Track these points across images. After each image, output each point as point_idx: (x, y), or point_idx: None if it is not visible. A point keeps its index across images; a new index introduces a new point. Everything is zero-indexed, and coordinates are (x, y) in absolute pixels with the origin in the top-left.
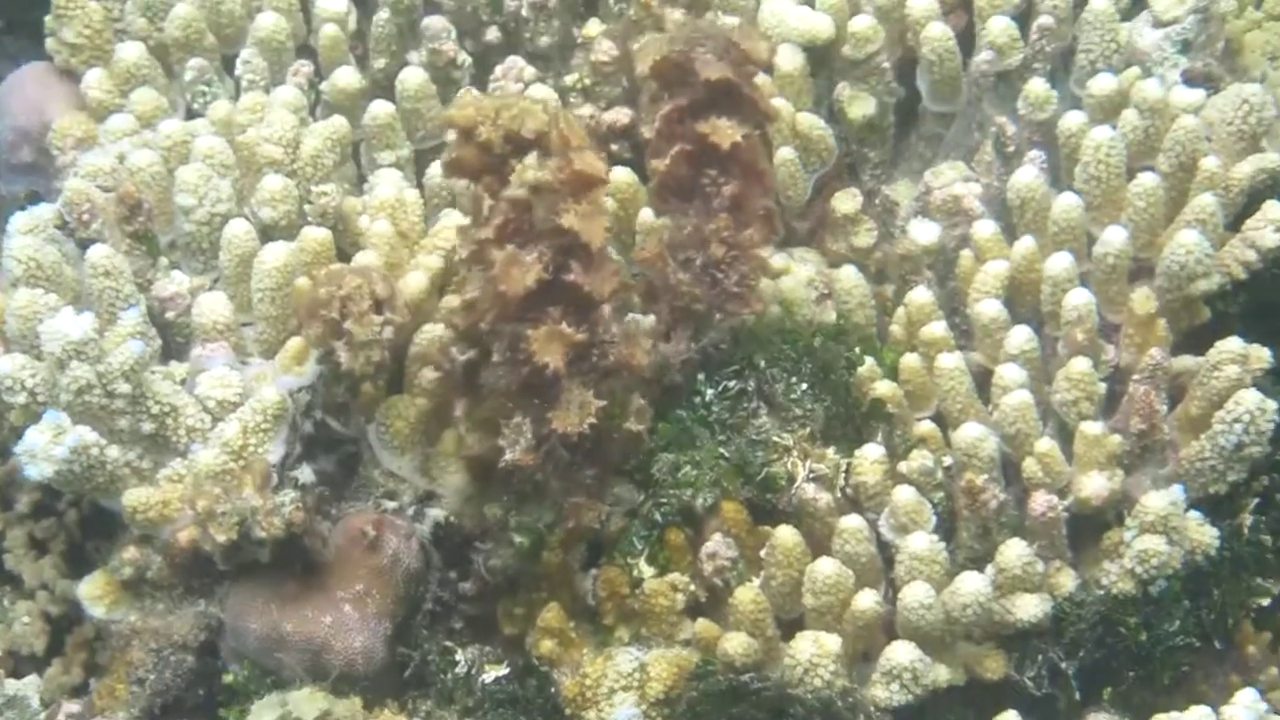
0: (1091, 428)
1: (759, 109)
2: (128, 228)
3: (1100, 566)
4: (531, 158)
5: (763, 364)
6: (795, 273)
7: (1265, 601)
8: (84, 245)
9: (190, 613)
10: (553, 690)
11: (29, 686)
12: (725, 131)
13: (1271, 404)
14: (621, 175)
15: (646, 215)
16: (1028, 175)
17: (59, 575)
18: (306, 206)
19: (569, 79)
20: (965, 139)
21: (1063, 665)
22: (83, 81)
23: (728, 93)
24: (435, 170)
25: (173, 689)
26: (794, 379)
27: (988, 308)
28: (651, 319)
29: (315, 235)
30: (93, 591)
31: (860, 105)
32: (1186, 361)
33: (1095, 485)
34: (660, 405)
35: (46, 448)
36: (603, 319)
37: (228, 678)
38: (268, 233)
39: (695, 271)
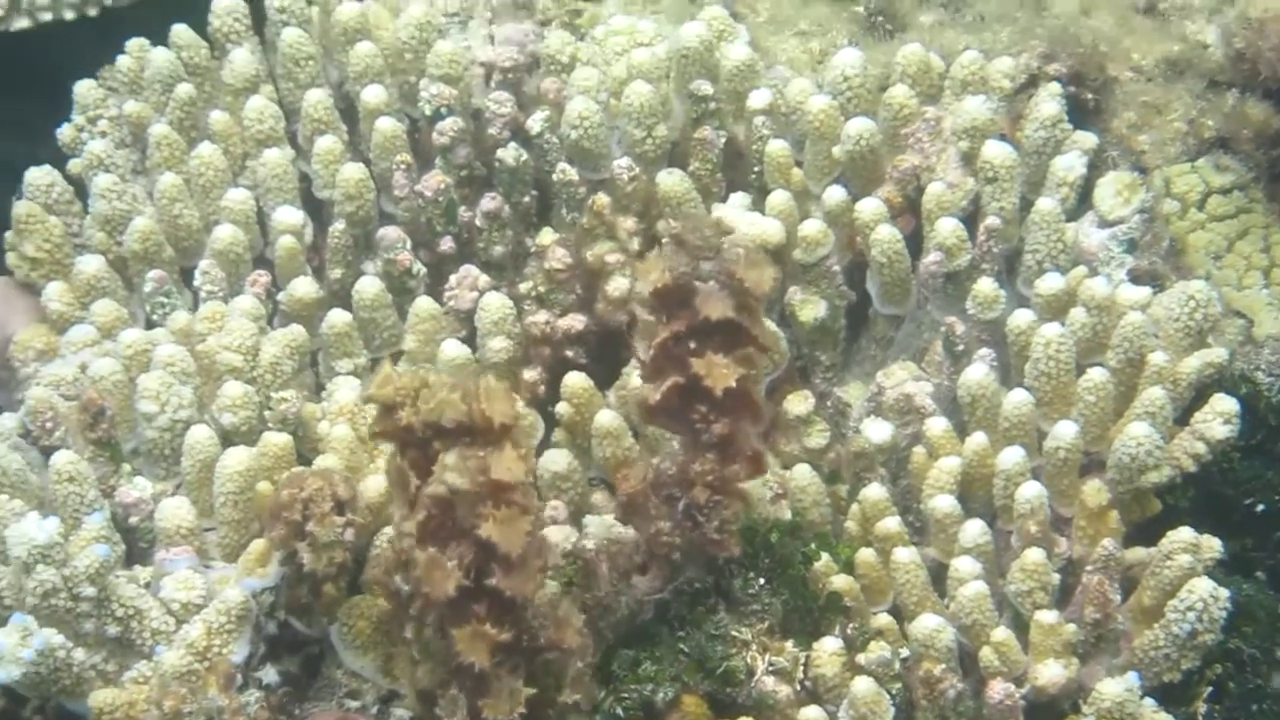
0: (1046, 616)
1: (758, 344)
2: (90, 435)
3: None
4: (452, 456)
5: (720, 560)
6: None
7: None
8: (47, 453)
9: None
10: None
11: None
12: (721, 373)
13: (1224, 592)
14: (576, 380)
15: (604, 418)
16: (978, 373)
17: None
18: (266, 413)
19: (523, 286)
20: (915, 340)
21: None
22: (43, 294)
23: (728, 326)
24: None
25: None
26: (751, 574)
27: (941, 503)
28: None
29: (276, 440)
30: None
31: (811, 309)
32: (1139, 553)
33: (1052, 673)
34: (630, 637)
35: (14, 650)
36: (527, 615)
37: None
38: (229, 438)
39: (677, 517)
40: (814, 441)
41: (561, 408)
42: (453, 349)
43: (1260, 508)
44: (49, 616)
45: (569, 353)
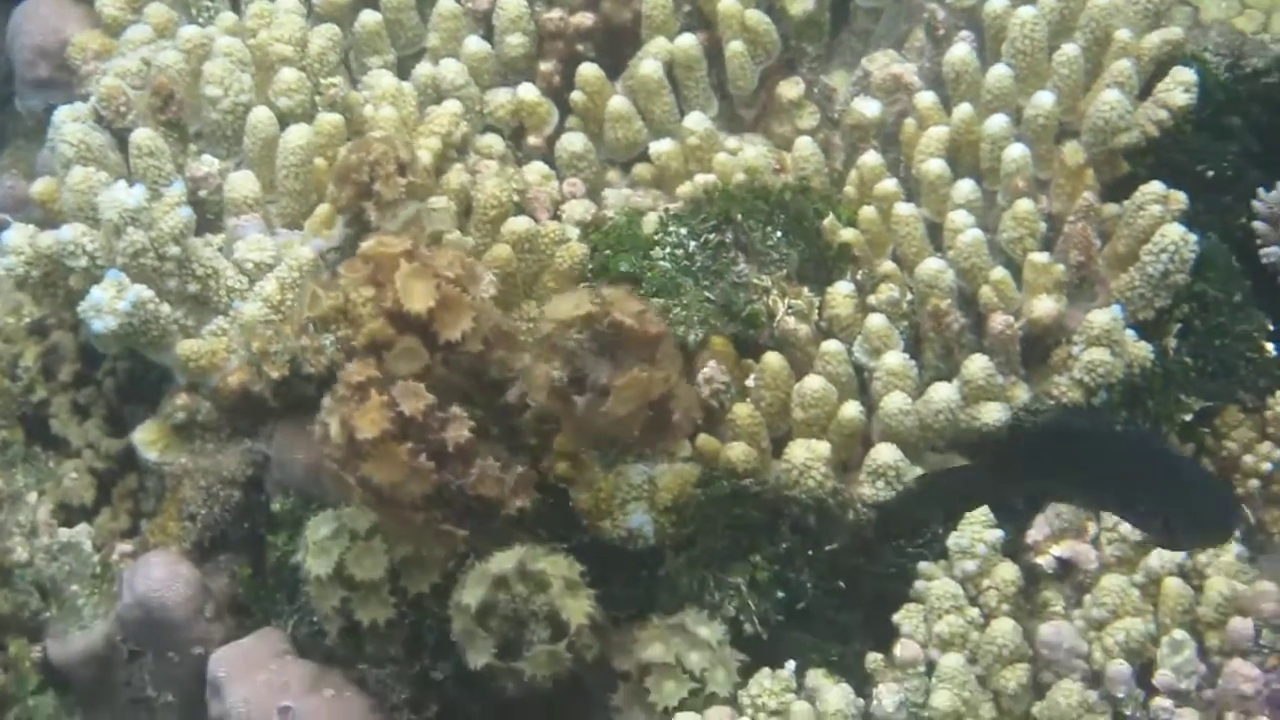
0: (1039, 257)
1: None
2: (161, 117)
3: (1050, 380)
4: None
5: (739, 217)
6: (752, 148)
7: (1188, 417)
8: (119, 135)
9: (238, 451)
10: (569, 505)
11: (81, 533)
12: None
13: (1192, 236)
14: (589, 70)
15: (615, 103)
16: (961, 50)
17: (103, 435)
18: (317, 97)
19: None
20: (894, 30)
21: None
22: (97, 1)
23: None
24: (419, 70)
25: (221, 523)
26: (769, 228)
27: (933, 165)
28: None
29: (330, 119)
30: (147, 437)
31: (799, 3)
32: (1111, 208)
33: (1045, 306)
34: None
35: (111, 302)
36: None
37: (275, 506)
38: (284, 120)
39: None
40: (805, 123)
41: (576, 95)
42: (474, 44)
43: (1210, 173)
44: (137, 274)
45: (579, 47)
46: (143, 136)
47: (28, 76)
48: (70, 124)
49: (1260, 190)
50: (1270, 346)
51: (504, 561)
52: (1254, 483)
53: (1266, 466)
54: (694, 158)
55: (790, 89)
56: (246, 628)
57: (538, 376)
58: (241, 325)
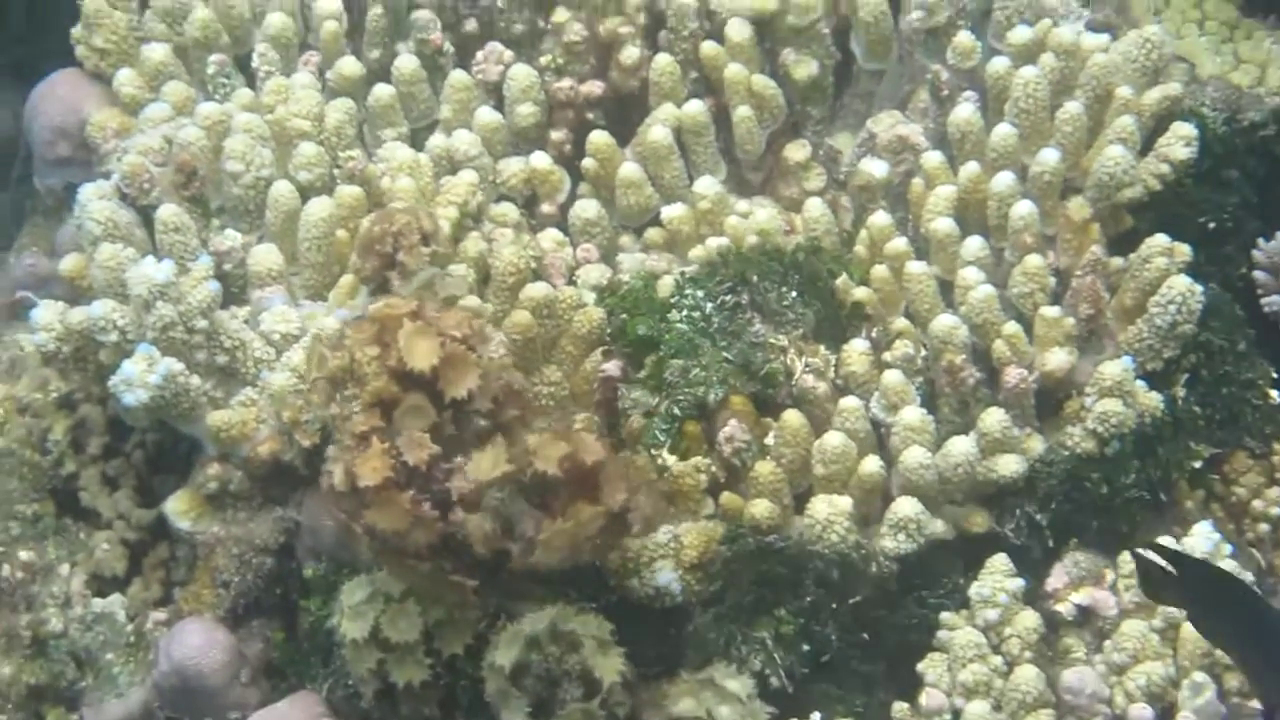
0: (1050, 311)
1: None
2: (184, 193)
3: (1064, 431)
4: None
5: (754, 278)
6: (762, 210)
7: (1197, 464)
8: (142, 212)
9: (269, 518)
10: (597, 565)
11: (114, 603)
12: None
13: (1199, 287)
14: (600, 137)
15: (626, 170)
16: (966, 110)
17: (133, 506)
18: (335, 171)
19: (543, 59)
20: (896, 92)
21: (1037, 518)
22: (115, 80)
23: None
24: (433, 141)
25: (254, 589)
26: (783, 288)
27: (942, 224)
28: None
29: (350, 191)
30: (179, 507)
31: (804, 67)
32: (1116, 262)
33: (1058, 359)
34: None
35: (142, 376)
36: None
37: (307, 572)
38: (304, 193)
39: None
40: (812, 184)
41: (587, 163)
42: (486, 114)
43: (1210, 225)
44: (167, 348)
45: (589, 115)
46: (168, 213)
47: (47, 156)
48: (97, 201)
49: (1260, 240)
50: (1275, 394)
51: (536, 622)
52: (1263, 527)
53: (1276, 511)
54: (705, 221)
55: (797, 152)
56: (281, 691)
57: (473, 532)
58: (271, 395)
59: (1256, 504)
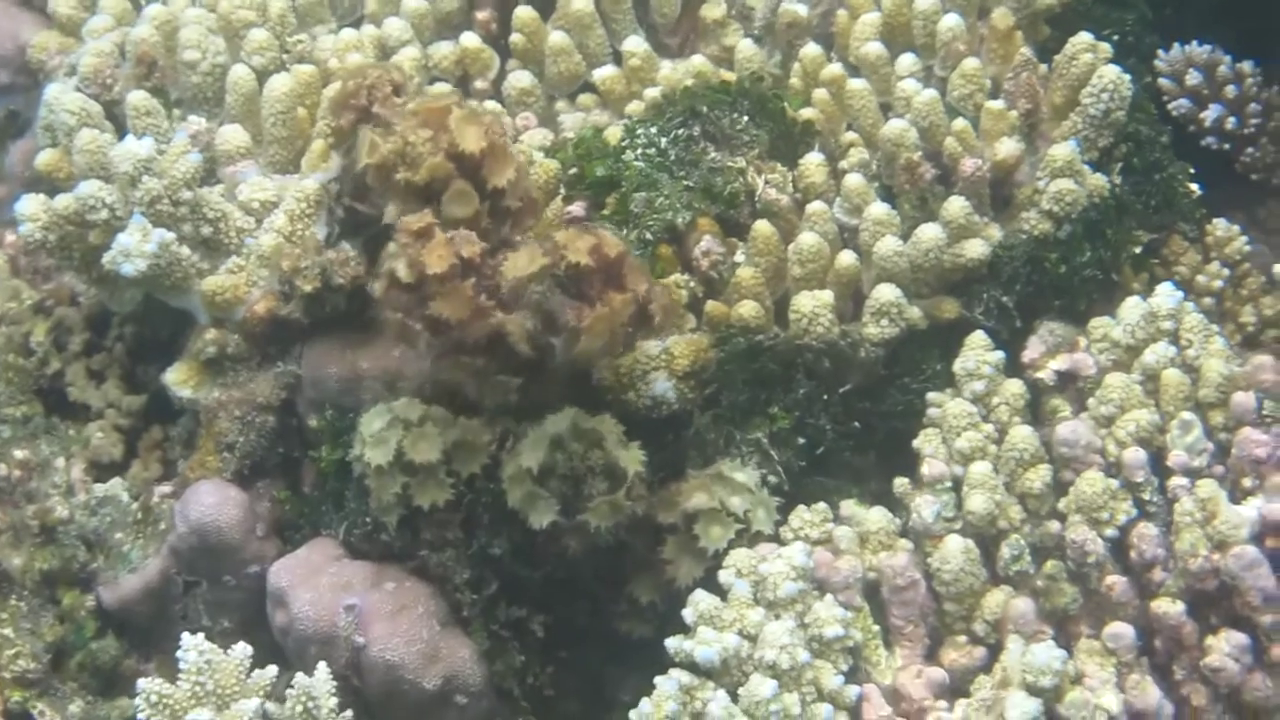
0: (995, 104)
1: None
2: (146, 84)
3: (1019, 217)
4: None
5: (704, 109)
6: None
7: (1138, 249)
8: (106, 108)
9: (269, 375)
10: (593, 382)
11: (116, 486)
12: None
13: (1127, 76)
14: (525, 12)
15: (555, 39)
16: None
17: (122, 394)
18: (284, 55)
19: None
20: None
21: (1004, 300)
22: (50, 3)
23: None
24: (365, 31)
25: (258, 449)
26: (735, 114)
27: (872, 47)
28: None
29: (306, 69)
30: (178, 377)
31: None
32: (1042, 68)
33: (1008, 148)
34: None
35: (139, 245)
36: None
37: (312, 422)
38: (260, 77)
39: None
40: (730, 40)
41: (515, 38)
42: (412, 3)
43: (1115, 38)
44: (155, 221)
45: None
46: (138, 98)
47: None
48: (67, 94)
49: (1160, 51)
50: (1195, 187)
51: (558, 423)
52: (1208, 300)
53: (1218, 284)
54: (637, 79)
55: (713, 9)
56: (296, 542)
57: (514, 330)
58: (261, 256)
59: (1200, 279)
